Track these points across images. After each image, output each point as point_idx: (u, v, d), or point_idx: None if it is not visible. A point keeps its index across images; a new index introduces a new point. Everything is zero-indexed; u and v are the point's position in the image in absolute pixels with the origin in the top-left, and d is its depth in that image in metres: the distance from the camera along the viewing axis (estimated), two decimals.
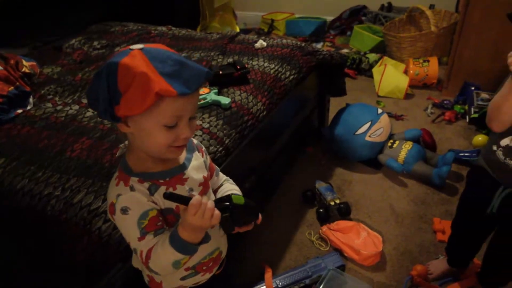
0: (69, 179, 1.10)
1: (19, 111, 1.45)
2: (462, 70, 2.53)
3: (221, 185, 0.91)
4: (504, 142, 1.00)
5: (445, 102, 2.53)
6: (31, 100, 1.53)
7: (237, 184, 1.39)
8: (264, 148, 1.63)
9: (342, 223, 1.65)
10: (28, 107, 1.49)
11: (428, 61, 2.75)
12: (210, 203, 0.67)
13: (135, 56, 0.63)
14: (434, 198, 1.84)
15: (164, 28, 2.30)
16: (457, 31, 2.46)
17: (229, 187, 0.91)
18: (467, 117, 2.36)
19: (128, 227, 0.71)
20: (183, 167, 0.77)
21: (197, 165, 0.80)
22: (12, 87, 1.46)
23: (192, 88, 0.65)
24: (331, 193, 1.75)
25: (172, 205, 0.72)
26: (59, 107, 1.49)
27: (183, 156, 0.78)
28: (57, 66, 1.86)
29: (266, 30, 4.11)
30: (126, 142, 0.76)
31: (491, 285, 1.31)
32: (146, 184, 0.71)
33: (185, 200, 0.66)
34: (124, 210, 0.70)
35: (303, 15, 4.11)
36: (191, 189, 0.77)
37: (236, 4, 4.52)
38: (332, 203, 1.71)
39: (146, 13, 2.80)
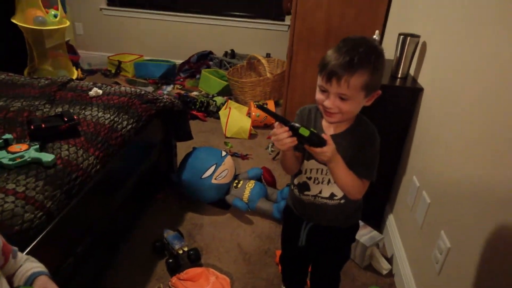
0: None
1: None
2: (294, 111, 2.89)
3: (20, 266, 0.80)
4: (296, 180, 1.18)
5: None
6: None
7: (68, 250, 1.26)
8: (101, 203, 1.51)
9: (191, 271, 1.63)
10: None
11: (267, 104, 3.07)
12: None
13: None
14: (277, 231, 2.00)
15: None
16: (285, 79, 2.82)
17: (28, 267, 0.80)
18: None
19: None
20: None
21: None
22: None
23: None
24: (179, 241, 1.73)
25: None
26: None
27: None
28: None
29: (113, 71, 3.96)
30: None
31: None
32: None
33: None
34: None
35: (152, 58, 4.13)
36: None
37: (78, 43, 4.26)
38: (181, 252, 1.68)
39: None
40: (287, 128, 0.93)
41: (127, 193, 1.71)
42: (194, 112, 3.12)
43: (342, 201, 1.13)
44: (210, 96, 3.37)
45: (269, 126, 3.09)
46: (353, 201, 1.13)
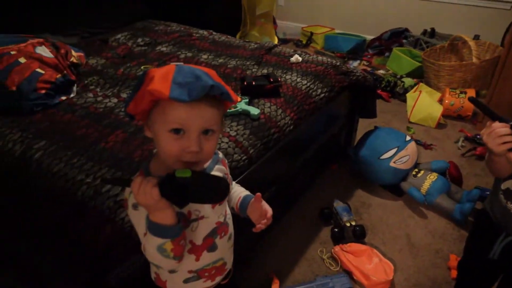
0: (100, 168, 1.16)
1: (63, 98, 1.55)
2: (501, 106, 2.46)
3: (232, 189, 0.96)
4: (505, 185, 1.00)
5: (478, 136, 2.47)
6: (75, 88, 1.63)
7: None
8: (287, 161, 1.66)
9: (355, 246, 1.65)
10: (72, 95, 1.58)
11: (465, 92, 2.70)
12: (150, 179, 0.66)
13: (164, 67, 0.69)
14: (454, 234, 1.80)
15: (205, 32, 2.38)
16: (499, 66, 2.40)
17: (240, 190, 0.95)
18: None
19: (137, 221, 0.75)
20: None
21: None
22: (59, 75, 1.56)
23: (190, 96, 0.65)
24: (348, 214, 1.75)
25: (184, 210, 0.76)
26: (99, 98, 1.57)
27: (205, 165, 0.81)
28: (102, 58, 1.97)
29: (304, 42, 4.14)
30: None
31: None
32: None
33: (127, 182, 0.68)
34: (135, 206, 0.74)
35: (343, 31, 4.12)
36: None
37: (278, 14, 4.58)
38: (348, 224, 1.71)
39: (189, 15, 2.89)
40: (508, 126, 0.82)
41: (308, 157, 1.82)
42: (379, 91, 3.01)
43: None
44: (398, 76, 3.17)
45: (463, 118, 2.73)
46: None
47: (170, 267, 0.82)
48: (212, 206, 0.83)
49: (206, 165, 0.82)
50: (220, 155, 0.89)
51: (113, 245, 1.03)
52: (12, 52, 1.49)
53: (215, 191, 0.71)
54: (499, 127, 0.84)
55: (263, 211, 0.87)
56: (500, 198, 1.03)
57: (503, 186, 1.02)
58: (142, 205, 0.69)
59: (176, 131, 0.68)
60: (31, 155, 1.23)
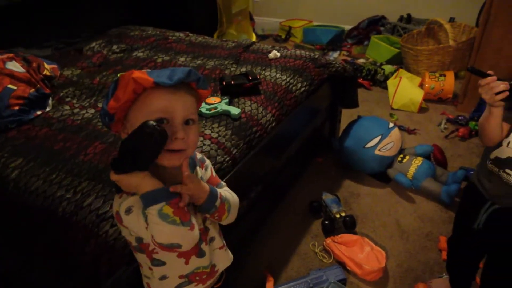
0: (80, 182, 1.14)
1: (38, 112, 1.51)
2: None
3: None
4: (493, 154, 1.03)
5: (459, 118, 2.50)
6: (50, 102, 1.59)
7: (243, 193, 1.43)
8: (272, 158, 1.65)
9: (346, 236, 1.66)
10: (47, 109, 1.55)
11: (445, 75, 2.73)
12: None
13: (135, 70, 0.70)
14: (442, 216, 1.82)
15: (181, 34, 2.35)
16: (474, 47, 2.43)
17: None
18: None
19: (135, 222, 0.72)
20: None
21: None
22: (33, 89, 1.52)
23: (172, 79, 0.68)
24: (337, 206, 1.76)
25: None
26: (76, 110, 1.54)
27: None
28: (77, 68, 1.93)
29: (283, 37, 4.13)
30: None
31: None
32: None
33: None
34: (128, 211, 0.72)
35: (321, 23, 4.13)
36: None
37: (255, 10, 4.57)
38: (338, 216, 1.72)
39: (165, 17, 2.86)
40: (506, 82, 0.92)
41: (293, 151, 1.82)
42: (360, 80, 3.02)
43: None
44: (378, 64, 3.19)
45: (444, 101, 2.76)
46: None
47: (188, 241, 0.75)
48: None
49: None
50: (198, 156, 0.87)
51: (99, 259, 1.01)
52: None
53: (151, 143, 0.67)
54: (493, 80, 0.93)
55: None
56: (489, 167, 1.06)
57: (492, 155, 1.04)
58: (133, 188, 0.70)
59: (160, 121, 0.69)
60: (8, 174, 1.20)
